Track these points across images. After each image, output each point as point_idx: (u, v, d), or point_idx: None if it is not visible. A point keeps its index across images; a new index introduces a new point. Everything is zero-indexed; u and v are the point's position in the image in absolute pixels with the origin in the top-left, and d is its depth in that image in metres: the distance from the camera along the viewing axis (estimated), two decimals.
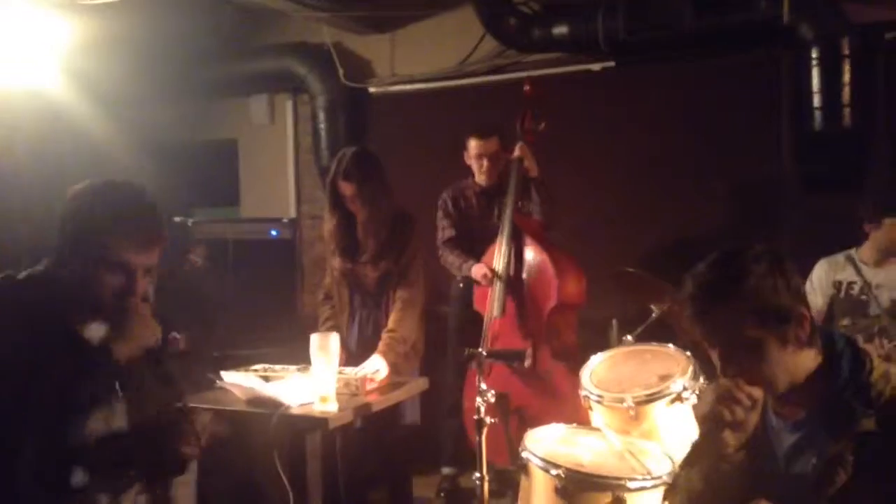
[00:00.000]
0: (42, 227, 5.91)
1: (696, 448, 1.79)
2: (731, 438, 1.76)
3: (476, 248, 4.30)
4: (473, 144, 4.37)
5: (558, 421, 2.94)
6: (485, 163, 4.35)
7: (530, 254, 4.12)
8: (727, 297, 1.71)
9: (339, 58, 5.63)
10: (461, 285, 4.34)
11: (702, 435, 1.76)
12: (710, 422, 1.75)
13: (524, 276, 4.12)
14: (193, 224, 4.91)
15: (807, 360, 1.75)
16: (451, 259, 4.34)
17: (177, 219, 4.47)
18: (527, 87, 4.32)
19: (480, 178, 4.41)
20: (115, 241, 1.90)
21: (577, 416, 3.06)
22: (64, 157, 6.22)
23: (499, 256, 4.11)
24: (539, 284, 4.06)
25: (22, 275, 1.94)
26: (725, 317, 1.71)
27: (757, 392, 1.73)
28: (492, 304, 4.10)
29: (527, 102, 4.28)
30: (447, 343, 4.45)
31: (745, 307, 1.69)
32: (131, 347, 1.91)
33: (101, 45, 4.98)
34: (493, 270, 4.11)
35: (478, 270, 4.17)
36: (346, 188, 3.51)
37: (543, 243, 4.13)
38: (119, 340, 1.89)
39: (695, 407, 2.23)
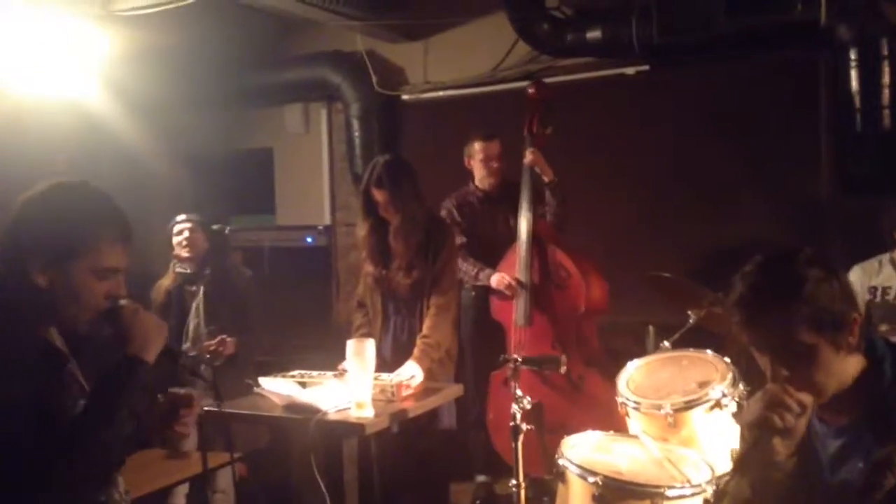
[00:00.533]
0: None
1: (745, 456, 1.75)
2: (780, 446, 1.72)
3: (485, 254, 4.28)
4: (479, 147, 4.39)
5: (591, 428, 2.92)
6: (493, 164, 4.37)
7: (554, 261, 4.07)
8: (783, 303, 1.67)
9: (372, 66, 5.65)
10: (473, 294, 4.32)
11: (750, 442, 1.73)
12: (759, 429, 1.70)
13: (549, 284, 4.07)
14: (230, 232, 4.96)
15: (853, 365, 1.72)
16: (465, 267, 4.29)
17: (215, 227, 4.53)
18: (531, 91, 4.28)
19: (487, 181, 4.41)
20: (105, 246, 1.83)
21: (610, 422, 3.04)
22: (101, 167, 6.31)
23: (520, 266, 4.08)
24: (566, 291, 4.02)
25: None
26: (779, 322, 1.68)
27: (807, 398, 1.69)
28: (518, 313, 4.07)
29: (533, 106, 4.24)
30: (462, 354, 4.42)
31: (800, 313, 1.66)
32: (154, 349, 1.86)
33: (138, 56, 5.06)
34: (516, 280, 4.09)
35: (500, 281, 4.14)
36: (379, 195, 3.52)
37: (565, 249, 4.09)
38: (141, 344, 1.85)
39: (741, 414, 2.17)
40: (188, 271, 4.28)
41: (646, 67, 4.88)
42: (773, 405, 1.69)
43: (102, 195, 1.95)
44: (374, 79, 5.63)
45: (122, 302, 1.86)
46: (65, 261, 1.80)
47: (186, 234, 4.28)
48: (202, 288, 4.24)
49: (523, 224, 4.10)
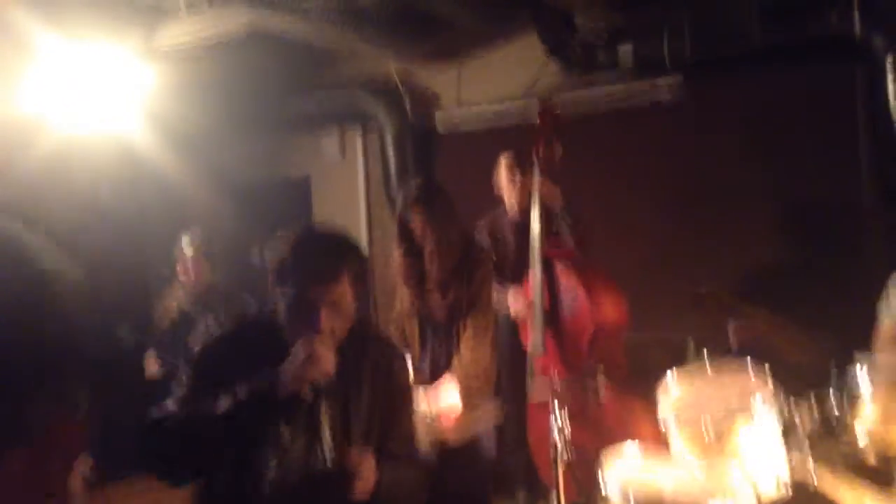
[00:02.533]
0: (125, 272, 6.12)
1: None
2: None
3: (517, 277, 4.23)
4: (506, 163, 4.37)
5: (617, 447, 2.88)
6: (517, 178, 4.31)
7: (563, 285, 4.00)
8: None
9: (406, 92, 5.71)
10: (508, 316, 4.30)
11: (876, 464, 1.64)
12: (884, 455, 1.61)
13: (560, 308, 4.01)
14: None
15: None
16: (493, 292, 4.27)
17: (256, 258, 4.59)
18: (538, 114, 4.18)
19: (514, 201, 4.36)
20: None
21: (637, 440, 3.00)
22: (144, 199, 6.44)
23: (533, 293, 4.03)
24: (574, 316, 3.95)
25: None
26: None
27: None
28: (531, 342, 4.05)
29: (539, 130, 4.15)
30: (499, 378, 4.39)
31: None
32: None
33: (178, 88, 5.16)
34: (529, 303, 4.04)
35: (514, 306, 4.13)
36: (415, 219, 3.53)
37: (574, 269, 4.00)
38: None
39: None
40: (187, 302, 4.36)
41: (679, 81, 4.85)
42: None
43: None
44: (407, 104, 5.68)
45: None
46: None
47: (191, 268, 4.37)
48: (202, 317, 4.32)
49: (534, 248, 4.03)
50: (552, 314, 4.01)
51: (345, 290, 1.95)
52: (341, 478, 1.84)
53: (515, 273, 4.25)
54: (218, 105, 5.82)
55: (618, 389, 3.83)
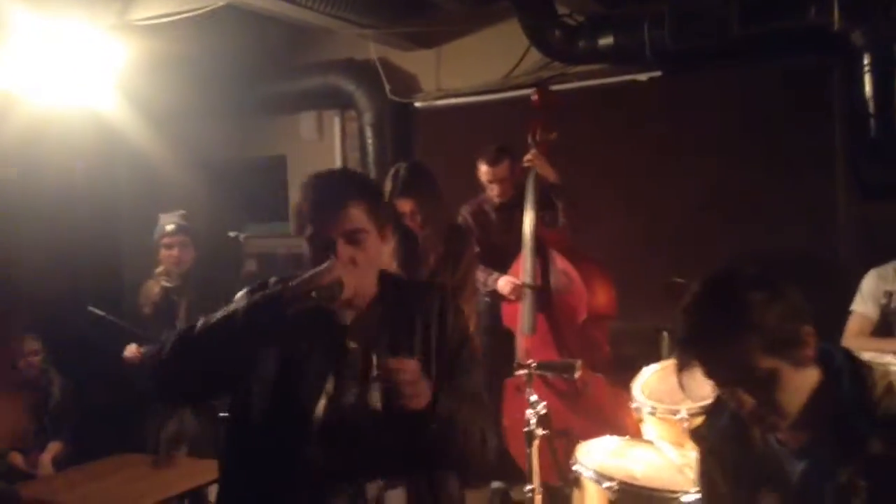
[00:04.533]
0: (98, 243, 6.06)
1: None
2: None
3: (499, 262, 4.26)
4: (484, 171, 4.38)
5: (594, 434, 2.92)
6: (496, 187, 4.36)
7: (556, 267, 4.07)
8: (732, 336, 1.58)
9: (385, 74, 5.68)
10: (487, 300, 4.31)
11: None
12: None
13: (552, 290, 4.06)
14: (245, 239, 4.98)
15: (809, 377, 1.64)
16: (477, 274, 4.30)
17: (231, 234, 4.55)
18: (535, 97, 4.25)
19: (498, 198, 4.41)
20: None
21: (614, 428, 3.04)
22: (118, 175, 6.37)
23: (525, 270, 4.06)
24: (568, 298, 4.01)
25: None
26: (734, 355, 1.59)
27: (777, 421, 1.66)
28: (522, 321, 4.07)
29: (536, 112, 4.21)
30: None
31: (752, 341, 1.57)
32: None
33: (154, 65, 5.10)
34: (521, 283, 4.08)
35: (505, 284, 4.13)
36: (405, 204, 3.48)
37: (569, 254, 4.07)
38: None
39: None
40: (172, 285, 4.32)
41: (658, 74, 4.88)
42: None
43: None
44: (386, 87, 5.65)
45: None
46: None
47: (176, 250, 4.32)
48: (186, 298, 4.28)
49: (527, 228, 4.09)
50: (544, 296, 4.04)
51: (360, 221, 1.89)
52: (389, 404, 1.75)
53: (499, 258, 4.27)
54: (194, 82, 5.76)
55: (601, 376, 3.89)
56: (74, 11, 4.43)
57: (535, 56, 5.18)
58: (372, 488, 1.82)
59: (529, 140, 4.18)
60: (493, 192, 4.41)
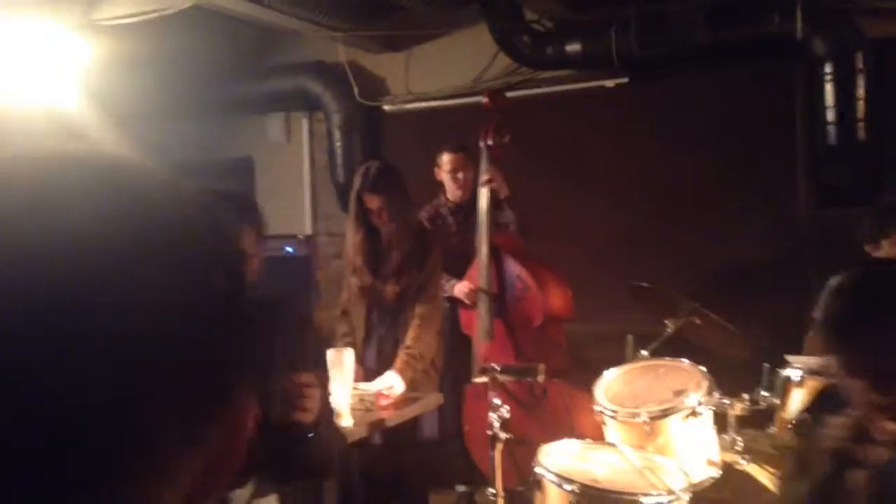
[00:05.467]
0: None
1: (820, 486, 1.60)
2: (860, 476, 1.55)
3: (457, 265, 4.24)
4: (448, 159, 4.37)
5: (561, 437, 2.93)
6: (460, 175, 4.35)
7: (510, 272, 4.06)
8: (891, 321, 1.48)
9: (354, 76, 5.67)
10: (447, 306, 4.31)
11: (828, 472, 1.58)
12: (839, 458, 1.54)
13: (507, 295, 4.06)
14: None
15: None
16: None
17: None
18: (485, 100, 4.21)
19: (456, 193, 4.39)
20: None
21: (580, 432, 3.06)
22: None
23: (481, 276, 4.06)
24: (523, 303, 4.01)
25: None
26: (888, 343, 1.47)
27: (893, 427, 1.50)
28: (479, 327, 4.07)
29: (488, 115, 4.17)
30: None
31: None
32: None
33: (118, 65, 5.04)
34: (476, 288, 4.08)
35: (461, 288, 4.14)
36: (373, 201, 3.48)
37: (523, 260, 4.07)
38: None
39: (818, 438, 1.99)
40: None
41: (625, 80, 4.92)
42: (861, 437, 1.55)
43: None
44: (355, 89, 5.64)
45: None
46: None
47: None
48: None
49: (482, 236, 4.07)
50: (500, 301, 4.05)
51: (249, 246, 2.00)
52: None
53: (456, 262, 4.26)
54: (159, 83, 5.70)
55: (559, 379, 3.89)
56: (38, 10, 4.37)
57: (503, 60, 5.20)
58: (242, 495, 1.85)
59: (482, 145, 4.14)
60: (452, 185, 4.38)
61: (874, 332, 1.49)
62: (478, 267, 4.10)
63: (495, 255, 4.08)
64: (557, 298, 4.02)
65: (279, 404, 1.84)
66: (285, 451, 1.82)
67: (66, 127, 5.29)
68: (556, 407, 3.82)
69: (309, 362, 2.03)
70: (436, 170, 4.47)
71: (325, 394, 2.01)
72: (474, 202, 4.29)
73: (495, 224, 4.13)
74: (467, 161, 4.36)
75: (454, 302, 4.24)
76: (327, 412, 1.93)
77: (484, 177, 4.11)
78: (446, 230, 4.42)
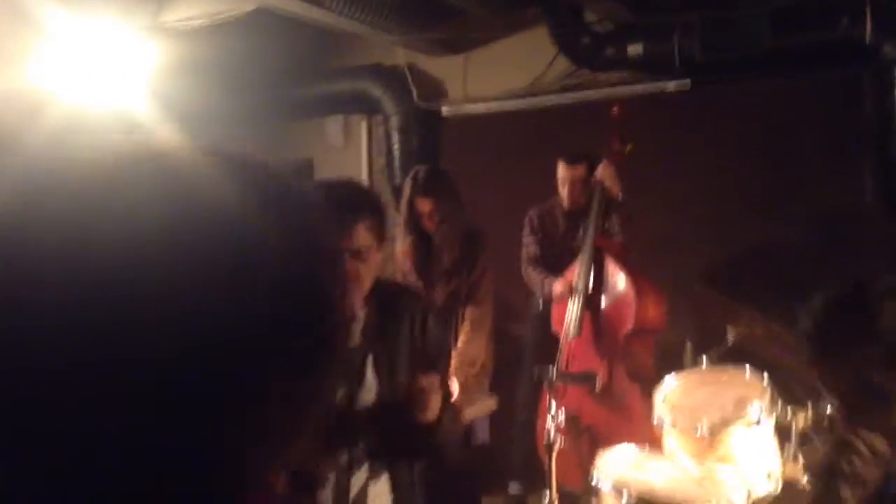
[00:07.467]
0: None
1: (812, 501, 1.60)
2: (848, 493, 1.54)
3: (558, 267, 4.28)
4: (561, 168, 4.42)
5: (630, 441, 2.91)
6: (567, 187, 4.38)
7: (610, 276, 4.09)
8: (856, 342, 1.52)
9: (412, 79, 5.69)
10: (541, 304, 4.32)
11: (815, 486, 1.58)
12: (825, 474, 1.57)
13: (603, 297, 4.09)
14: None
15: None
16: (534, 277, 4.32)
17: None
18: (615, 109, 4.33)
19: (567, 202, 4.43)
20: None
21: (649, 437, 3.02)
22: None
23: (578, 275, 4.09)
24: (617, 307, 4.03)
25: None
26: (853, 362, 1.52)
27: (881, 444, 1.52)
28: (568, 323, 4.07)
29: (614, 124, 4.28)
30: (522, 362, 4.42)
31: (876, 351, 1.51)
32: None
33: (184, 68, 5.13)
34: (571, 286, 4.08)
35: (557, 286, 4.15)
36: (424, 204, 3.52)
37: (625, 266, 4.10)
38: None
39: (805, 454, 1.96)
40: None
41: (687, 83, 4.85)
42: (841, 450, 1.55)
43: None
44: (414, 92, 5.66)
45: None
46: None
47: None
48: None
49: (588, 235, 4.11)
50: (594, 302, 4.05)
51: (365, 239, 1.94)
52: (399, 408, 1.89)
53: (558, 263, 4.27)
54: (223, 85, 5.79)
55: (638, 385, 3.88)
56: (109, 11, 4.47)
57: (562, 63, 5.17)
58: (360, 476, 1.92)
59: (606, 151, 4.23)
60: (564, 193, 4.41)
61: (842, 354, 1.52)
62: (577, 265, 4.11)
63: (597, 256, 4.09)
64: (652, 309, 4.04)
65: (403, 405, 1.90)
66: (408, 444, 1.92)
67: (132, 129, 5.40)
68: (633, 411, 3.81)
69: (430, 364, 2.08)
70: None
71: (448, 394, 2.09)
72: (585, 209, 4.30)
73: (602, 228, 4.15)
74: (580, 172, 4.40)
75: (549, 299, 4.25)
76: (449, 412, 2.00)
77: (598, 174, 4.16)
78: (554, 230, 4.45)
